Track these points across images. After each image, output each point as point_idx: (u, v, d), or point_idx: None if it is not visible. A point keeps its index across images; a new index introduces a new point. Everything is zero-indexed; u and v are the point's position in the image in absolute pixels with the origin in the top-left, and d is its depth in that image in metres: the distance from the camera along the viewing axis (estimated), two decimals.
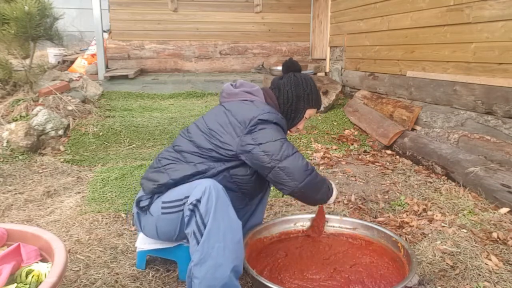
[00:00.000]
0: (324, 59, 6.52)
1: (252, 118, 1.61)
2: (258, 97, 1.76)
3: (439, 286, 1.80)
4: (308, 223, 2.04)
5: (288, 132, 1.87)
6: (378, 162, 3.57)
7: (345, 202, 2.72)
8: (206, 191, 1.49)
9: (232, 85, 1.83)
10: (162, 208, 1.62)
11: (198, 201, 1.49)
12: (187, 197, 1.53)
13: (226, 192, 1.55)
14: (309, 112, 1.86)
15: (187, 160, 1.68)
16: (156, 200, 1.66)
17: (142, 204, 1.69)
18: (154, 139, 4.05)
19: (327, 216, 2.05)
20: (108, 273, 1.88)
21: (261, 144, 1.58)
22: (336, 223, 2.03)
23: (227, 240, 1.46)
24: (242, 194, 1.75)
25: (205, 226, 1.47)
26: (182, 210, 1.56)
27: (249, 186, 1.73)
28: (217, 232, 1.46)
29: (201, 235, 1.47)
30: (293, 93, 1.80)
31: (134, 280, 1.84)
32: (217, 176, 1.64)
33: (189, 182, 1.62)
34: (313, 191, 1.65)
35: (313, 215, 2.04)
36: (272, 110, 1.69)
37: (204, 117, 1.78)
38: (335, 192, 1.78)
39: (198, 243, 1.48)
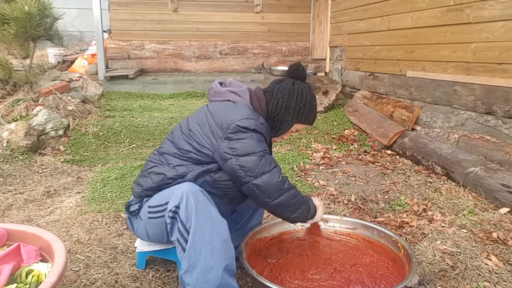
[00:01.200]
0: (324, 59, 6.52)
1: (231, 122, 1.55)
2: (243, 98, 1.68)
3: (439, 286, 1.80)
4: (308, 223, 2.04)
5: (277, 140, 1.83)
6: (378, 162, 3.57)
7: (345, 202, 2.72)
8: (184, 196, 1.45)
9: (221, 83, 1.76)
10: (149, 212, 1.61)
11: (177, 207, 1.46)
12: (167, 203, 1.51)
13: (205, 193, 1.51)
14: (297, 126, 1.76)
15: (168, 162, 1.65)
16: (144, 204, 1.65)
17: (132, 208, 1.69)
18: (154, 139, 4.05)
19: (327, 216, 2.05)
20: (108, 273, 1.88)
21: (238, 156, 1.52)
22: (336, 223, 2.03)
23: (213, 242, 1.43)
24: (228, 200, 1.70)
25: (188, 232, 1.44)
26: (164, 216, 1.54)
27: (234, 191, 1.66)
28: (202, 236, 1.43)
29: (186, 241, 1.44)
30: (284, 102, 1.69)
31: (134, 280, 1.84)
32: (198, 180, 1.60)
33: (169, 186, 1.60)
34: (287, 211, 1.60)
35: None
36: (253, 115, 1.60)
37: (188, 117, 1.73)
38: (319, 213, 1.72)
39: (184, 250, 1.46)
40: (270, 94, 1.73)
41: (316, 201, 1.76)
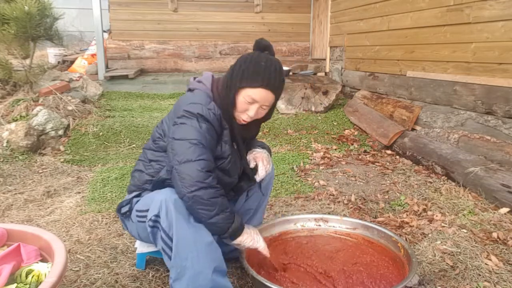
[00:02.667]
0: (324, 59, 6.52)
1: (180, 108, 1.54)
2: (205, 85, 1.63)
3: (439, 286, 1.80)
4: (308, 223, 2.04)
5: (242, 120, 1.61)
6: (378, 162, 3.57)
7: (345, 202, 2.72)
8: (163, 205, 1.44)
9: (195, 78, 1.73)
10: (137, 216, 1.62)
11: (157, 216, 1.45)
12: (149, 210, 1.51)
13: None
14: (246, 92, 1.53)
15: (147, 157, 1.72)
16: (134, 205, 1.66)
17: (123, 210, 1.70)
18: None
19: (327, 216, 2.05)
20: (108, 273, 1.88)
21: (174, 139, 1.49)
22: (336, 223, 2.03)
23: (198, 246, 1.42)
24: None
25: (172, 240, 1.43)
26: None
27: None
28: (186, 242, 1.42)
29: (171, 249, 1.44)
30: (230, 70, 1.58)
31: (134, 280, 1.84)
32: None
33: (150, 183, 1.66)
34: (204, 210, 1.44)
35: (314, 215, 2.05)
36: (202, 100, 1.54)
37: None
38: (245, 239, 1.56)
39: (170, 258, 1.45)
40: None
41: (251, 229, 1.62)
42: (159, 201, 1.46)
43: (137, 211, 1.62)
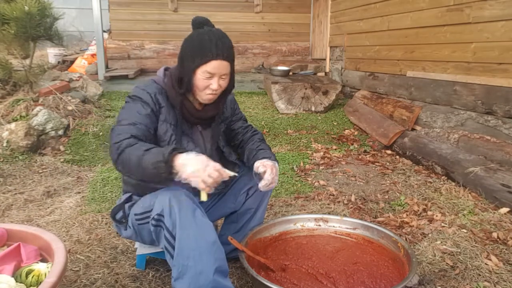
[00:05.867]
0: (324, 59, 6.52)
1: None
2: (157, 75, 1.72)
3: (439, 286, 1.80)
4: (308, 223, 2.04)
5: (208, 96, 1.62)
6: (378, 162, 3.57)
7: (345, 202, 2.72)
8: (166, 203, 1.45)
9: None
10: (136, 220, 1.62)
11: (160, 215, 1.46)
12: (152, 210, 1.51)
13: (189, 195, 1.49)
14: (202, 70, 1.55)
15: None
16: (129, 211, 1.67)
17: (117, 216, 1.71)
18: None
19: (327, 216, 2.05)
20: (108, 273, 1.88)
21: (117, 121, 1.59)
22: (336, 223, 2.03)
23: (201, 246, 1.42)
24: None
25: (175, 239, 1.43)
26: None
27: None
28: (188, 241, 1.42)
29: (173, 248, 1.44)
30: (178, 56, 1.61)
31: (134, 280, 1.84)
32: None
33: (134, 191, 1.68)
34: (134, 169, 1.44)
35: (314, 215, 2.05)
36: (143, 85, 1.64)
37: None
38: (190, 168, 1.36)
39: (172, 257, 1.45)
40: None
41: (191, 155, 1.40)
42: (163, 200, 1.46)
43: (135, 214, 1.62)
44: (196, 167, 1.37)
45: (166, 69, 1.73)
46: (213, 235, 1.46)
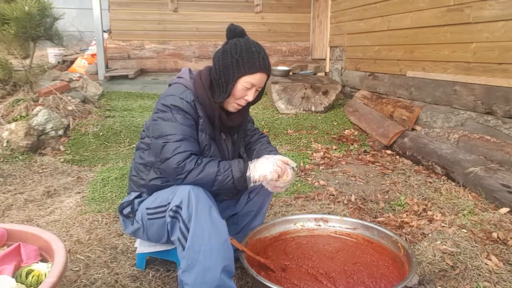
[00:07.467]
0: (324, 59, 6.52)
1: (160, 103, 1.60)
2: (183, 78, 1.68)
3: (439, 286, 1.80)
4: (308, 223, 2.04)
5: (236, 105, 1.65)
6: (378, 162, 3.57)
7: (345, 202, 2.72)
8: (185, 196, 1.47)
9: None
10: (148, 214, 1.63)
11: (178, 207, 1.48)
12: (169, 203, 1.52)
13: (207, 193, 1.52)
14: (246, 79, 1.58)
15: (135, 158, 1.79)
16: (139, 206, 1.67)
17: (125, 211, 1.72)
18: None
19: (327, 216, 2.05)
20: (108, 273, 1.88)
21: (153, 138, 1.59)
22: (336, 223, 2.03)
23: (212, 242, 1.44)
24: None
25: (189, 231, 1.45)
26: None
27: None
28: (201, 236, 1.44)
29: (186, 240, 1.46)
30: (221, 62, 1.59)
31: (134, 280, 1.84)
32: (152, 180, 1.68)
33: (140, 184, 1.71)
34: (204, 185, 1.52)
35: (314, 215, 2.05)
36: (176, 91, 1.60)
37: None
38: (255, 174, 1.55)
39: (184, 249, 1.47)
40: (212, 64, 1.67)
41: (259, 160, 1.61)
42: (183, 193, 1.48)
43: (147, 208, 1.63)
44: (271, 174, 1.57)
45: (190, 72, 1.72)
46: (225, 234, 1.49)
